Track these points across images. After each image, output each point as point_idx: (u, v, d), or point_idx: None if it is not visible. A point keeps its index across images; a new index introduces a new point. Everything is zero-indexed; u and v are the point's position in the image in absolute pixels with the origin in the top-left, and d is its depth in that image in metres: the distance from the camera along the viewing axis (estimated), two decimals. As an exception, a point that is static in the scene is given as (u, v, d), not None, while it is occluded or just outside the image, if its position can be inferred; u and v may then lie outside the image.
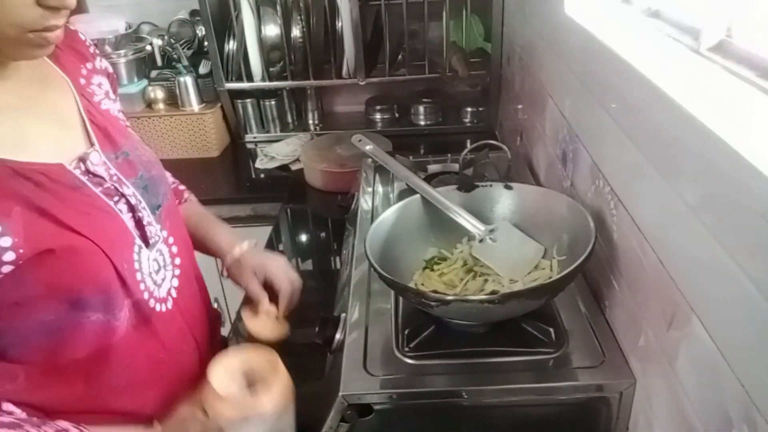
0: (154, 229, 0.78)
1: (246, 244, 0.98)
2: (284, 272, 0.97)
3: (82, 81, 0.79)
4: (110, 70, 0.86)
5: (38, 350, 0.70)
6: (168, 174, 1.01)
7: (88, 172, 0.71)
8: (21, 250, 0.62)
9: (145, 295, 0.76)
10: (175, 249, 0.83)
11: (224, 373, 0.76)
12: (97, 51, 0.85)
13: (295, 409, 0.78)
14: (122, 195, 0.74)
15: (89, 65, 0.81)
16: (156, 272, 0.78)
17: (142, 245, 0.75)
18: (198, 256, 0.94)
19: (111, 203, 0.72)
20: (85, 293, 0.69)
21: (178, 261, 0.84)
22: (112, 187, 0.73)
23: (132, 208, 0.75)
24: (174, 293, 0.82)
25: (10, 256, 0.62)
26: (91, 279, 0.69)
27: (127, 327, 0.75)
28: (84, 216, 0.68)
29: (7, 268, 0.62)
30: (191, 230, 0.95)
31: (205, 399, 0.74)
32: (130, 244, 0.74)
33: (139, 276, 0.75)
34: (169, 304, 0.81)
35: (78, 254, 0.67)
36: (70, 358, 0.71)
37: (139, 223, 0.76)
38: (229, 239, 0.99)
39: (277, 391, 0.75)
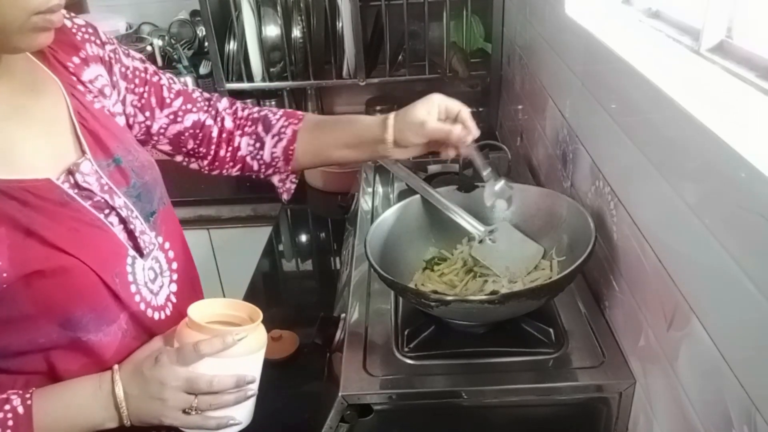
0: (148, 237, 0.76)
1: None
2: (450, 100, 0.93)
3: (74, 79, 0.76)
4: (102, 53, 0.80)
5: (33, 364, 0.69)
6: (278, 111, 0.99)
7: (77, 185, 0.69)
8: (5, 274, 0.62)
9: (142, 306, 0.75)
10: (171, 254, 0.82)
11: (204, 312, 0.74)
12: (87, 34, 0.79)
13: (261, 364, 0.76)
14: (113, 208, 0.72)
15: (82, 54, 0.77)
16: (152, 281, 0.77)
17: (136, 256, 0.74)
18: (196, 256, 0.93)
19: (101, 216, 0.71)
20: (76, 313, 0.68)
21: (175, 266, 0.82)
22: (102, 200, 0.71)
23: (123, 220, 0.73)
24: (174, 299, 0.81)
25: None
26: (81, 299, 0.68)
27: (125, 339, 0.74)
28: (72, 233, 0.67)
29: None
30: (330, 130, 0.94)
31: (179, 331, 0.72)
32: (123, 256, 0.72)
33: (133, 288, 0.74)
34: (168, 311, 0.79)
35: (67, 274, 0.66)
36: (67, 370, 0.70)
37: (131, 234, 0.74)
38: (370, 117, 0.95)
39: (251, 334, 0.73)
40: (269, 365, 0.77)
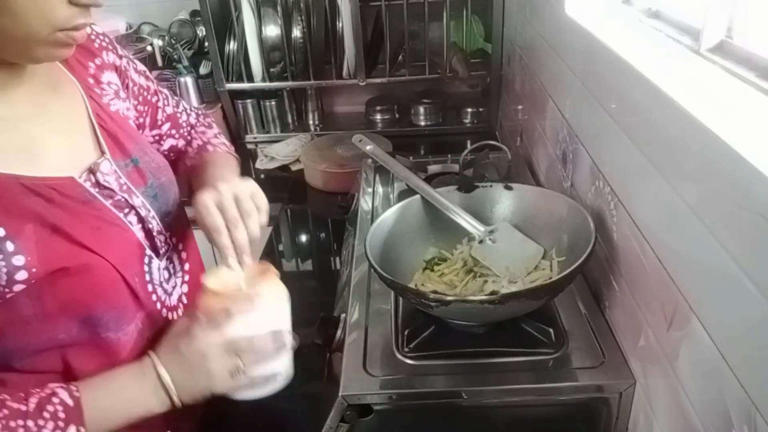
0: (164, 237, 0.78)
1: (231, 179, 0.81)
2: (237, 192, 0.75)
3: (91, 81, 0.77)
4: (118, 62, 0.83)
5: (49, 363, 0.69)
6: (206, 122, 0.99)
7: (98, 184, 0.70)
8: (34, 270, 0.62)
9: (158, 306, 0.76)
10: (184, 255, 0.83)
11: (220, 280, 0.74)
12: (104, 42, 0.82)
13: (289, 312, 0.76)
14: (132, 207, 0.73)
15: (97, 61, 0.79)
16: (167, 281, 0.78)
17: (153, 255, 0.75)
18: (204, 255, 0.93)
19: (121, 215, 0.72)
20: (97, 311, 0.69)
21: (187, 266, 0.84)
22: (122, 199, 0.72)
23: (141, 219, 0.74)
24: (185, 299, 0.82)
25: (22, 275, 0.61)
26: (103, 296, 0.69)
27: (140, 339, 0.74)
28: (95, 231, 0.68)
29: (18, 287, 0.62)
30: (197, 181, 0.87)
31: (202, 305, 0.72)
32: (141, 255, 0.73)
33: (150, 287, 0.74)
34: (180, 311, 0.80)
35: (91, 272, 0.66)
36: (82, 370, 0.71)
37: (149, 234, 0.75)
38: (220, 174, 0.84)
39: (273, 289, 0.74)
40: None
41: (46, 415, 0.62)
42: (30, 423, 0.61)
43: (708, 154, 0.59)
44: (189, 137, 0.97)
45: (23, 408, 0.62)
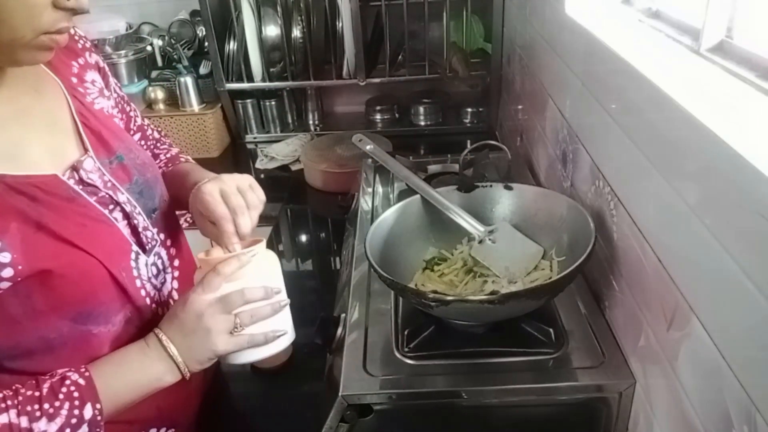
0: (150, 233, 0.78)
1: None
2: (232, 185, 0.77)
3: (74, 80, 0.77)
4: (101, 64, 0.84)
5: (41, 364, 0.69)
6: (167, 142, 1.01)
7: (82, 181, 0.70)
8: (20, 267, 0.62)
9: (147, 301, 0.76)
10: (173, 251, 0.83)
11: (211, 255, 0.77)
12: (87, 44, 0.83)
13: (280, 273, 0.79)
14: (117, 203, 0.73)
15: (80, 60, 0.80)
16: (155, 276, 0.78)
17: (140, 252, 0.75)
18: (195, 251, 0.93)
19: (106, 212, 0.72)
20: (87, 307, 0.69)
21: (177, 263, 0.84)
22: (107, 196, 0.72)
23: (127, 216, 0.74)
24: (175, 295, 0.82)
25: (8, 272, 0.62)
26: (92, 293, 0.69)
27: (129, 331, 0.75)
28: (80, 228, 0.68)
29: (5, 284, 0.62)
30: (178, 183, 0.87)
31: (195, 277, 0.75)
32: (128, 251, 0.73)
33: (138, 283, 0.75)
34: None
35: (78, 269, 0.66)
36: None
37: (134, 230, 0.75)
38: (204, 176, 0.84)
39: (261, 252, 0.76)
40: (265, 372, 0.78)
41: (61, 396, 0.64)
42: (46, 405, 0.63)
43: (708, 154, 0.59)
44: (154, 150, 0.99)
45: (36, 393, 0.64)
